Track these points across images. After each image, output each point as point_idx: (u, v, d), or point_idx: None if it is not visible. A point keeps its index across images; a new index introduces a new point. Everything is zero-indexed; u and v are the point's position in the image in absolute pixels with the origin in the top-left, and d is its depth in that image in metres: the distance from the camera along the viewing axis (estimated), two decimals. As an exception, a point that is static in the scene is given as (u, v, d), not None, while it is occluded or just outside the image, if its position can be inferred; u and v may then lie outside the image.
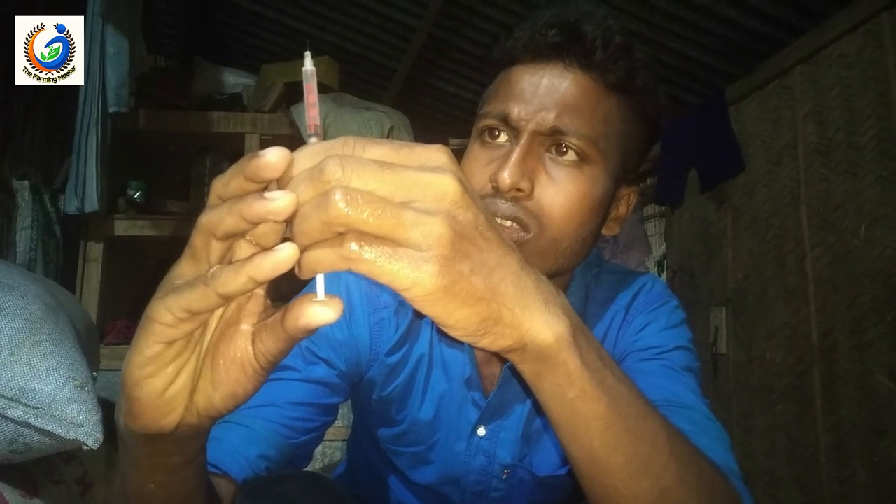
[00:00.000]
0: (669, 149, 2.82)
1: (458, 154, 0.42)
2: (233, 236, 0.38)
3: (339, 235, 0.35)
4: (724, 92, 2.67)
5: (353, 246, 0.35)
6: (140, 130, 2.81)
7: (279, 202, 0.35)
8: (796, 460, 2.23)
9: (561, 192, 0.71)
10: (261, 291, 0.42)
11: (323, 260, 0.36)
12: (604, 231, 0.80)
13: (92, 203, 2.32)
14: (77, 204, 2.33)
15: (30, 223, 2.42)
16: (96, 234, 2.71)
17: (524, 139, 0.71)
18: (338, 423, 0.90)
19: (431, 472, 0.90)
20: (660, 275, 3.12)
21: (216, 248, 0.38)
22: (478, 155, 0.75)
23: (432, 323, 0.76)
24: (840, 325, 2.09)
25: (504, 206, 0.70)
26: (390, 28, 3.00)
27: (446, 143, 0.39)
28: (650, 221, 3.47)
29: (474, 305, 0.38)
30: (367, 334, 0.84)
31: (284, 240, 0.37)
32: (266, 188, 0.37)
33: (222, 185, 0.37)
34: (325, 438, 0.88)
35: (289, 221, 0.36)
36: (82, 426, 1.02)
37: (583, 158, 0.72)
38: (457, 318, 0.38)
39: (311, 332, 0.38)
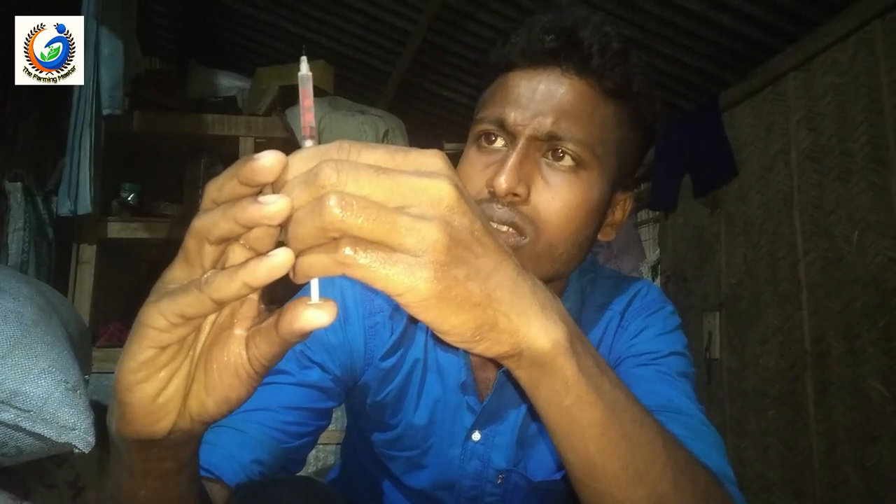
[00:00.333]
0: (663, 154, 2.83)
1: (454, 159, 0.42)
2: (227, 240, 0.38)
3: (334, 240, 0.35)
4: (717, 98, 2.68)
5: (348, 251, 0.34)
6: (134, 132, 2.79)
7: (273, 206, 0.34)
8: (789, 465, 2.24)
9: (557, 197, 0.71)
10: (254, 295, 0.42)
11: (317, 265, 0.35)
12: (600, 237, 0.80)
13: (85, 205, 2.30)
14: (70, 206, 2.32)
15: (22, 225, 2.41)
16: (89, 236, 2.69)
17: (521, 144, 0.71)
18: (331, 426, 0.89)
19: (426, 477, 0.89)
20: (653, 280, 3.13)
21: (210, 252, 0.38)
22: (474, 160, 0.75)
23: (427, 327, 0.76)
24: (832, 331, 2.10)
25: (500, 210, 0.70)
26: (385, 32, 3.00)
27: (441, 148, 0.39)
28: (644, 227, 3.48)
29: (470, 311, 0.38)
30: (361, 339, 0.83)
31: (279, 244, 0.37)
32: (261, 192, 0.36)
33: (216, 188, 0.37)
34: (318, 442, 0.87)
35: (283, 226, 0.36)
36: (74, 429, 1.01)
37: (579, 164, 0.72)
38: (452, 324, 0.38)
39: (306, 336, 0.38)
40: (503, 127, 0.73)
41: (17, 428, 0.98)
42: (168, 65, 3.55)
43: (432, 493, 0.90)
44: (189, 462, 0.48)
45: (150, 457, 0.44)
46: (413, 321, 0.84)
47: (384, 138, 2.92)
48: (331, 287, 0.84)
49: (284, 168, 0.36)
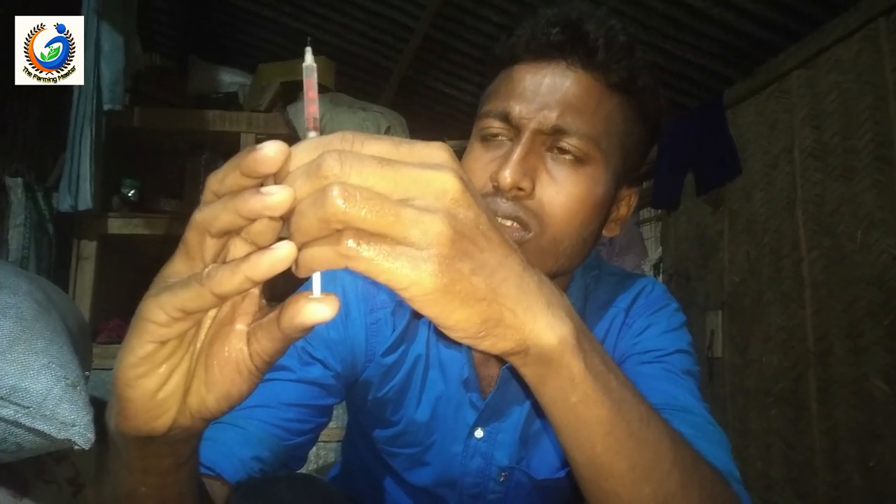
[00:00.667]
0: (666, 152, 2.82)
1: (456, 155, 0.42)
2: (228, 233, 0.37)
3: (337, 233, 0.34)
4: (721, 96, 2.67)
5: (351, 243, 0.34)
6: (135, 128, 2.79)
7: (275, 197, 0.34)
8: (791, 464, 2.23)
9: (562, 191, 0.70)
10: (256, 290, 0.41)
11: (320, 257, 0.35)
12: (604, 232, 0.80)
13: (85, 201, 2.30)
14: (70, 202, 2.31)
15: (22, 221, 2.40)
16: (90, 232, 2.69)
17: (525, 138, 0.70)
18: (332, 424, 0.89)
19: (427, 474, 0.89)
20: (656, 278, 3.12)
21: (211, 245, 0.37)
22: (478, 154, 0.74)
23: (430, 323, 0.75)
24: (836, 329, 2.09)
25: (505, 205, 0.69)
26: (387, 28, 2.99)
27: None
28: (646, 224, 3.47)
29: (474, 306, 0.37)
30: (363, 335, 0.83)
31: (280, 238, 0.37)
32: (263, 184, 0.36)
33: (218, 180, 0.37)
34: (319, 440, 0.87)
35: (285, 219, 0.36)
36: (74, 426, 1.01)
37: (584, 158, 0.71)
38: (456, 319, 0.37)
39: (308, 331, 0.38)
40: (508, 120, 0.72)
41: (17, 424, 0.97)
42: (169, 60, 3.54)
43: (434, 490, 0.89)
44: (189, 459, 0.47)
45: (150, 453, 0.44)
46: (416, 317, 0.84)
47: (385, 134, 2.91)
48: (332, 283, 0.83)
49: (287, 159, 0.35)
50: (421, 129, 3.22)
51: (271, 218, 0.36)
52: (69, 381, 1.04)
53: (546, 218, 0.70)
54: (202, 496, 0.55)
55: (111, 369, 0.41)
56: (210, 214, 0.36)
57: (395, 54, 3.14)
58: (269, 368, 0.42)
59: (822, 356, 2.13)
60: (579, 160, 0.71)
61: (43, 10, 1.76)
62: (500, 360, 0.82)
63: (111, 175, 2.68)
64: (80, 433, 1.00)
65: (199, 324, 0.41)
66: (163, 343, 0.38)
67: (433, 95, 3.42)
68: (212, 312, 0.41)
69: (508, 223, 0.69)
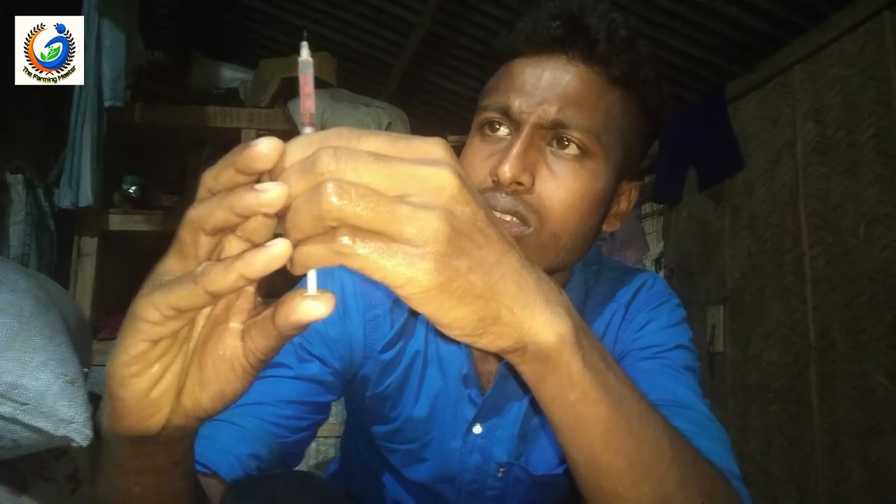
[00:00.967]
0: (668, 146, 2.81)
1: (457, 150, 0.41)
2: (222, 231, 0.37)
3: (332, 230, 0.34)
4: (723, 90, 2.66)
5: (346, 240, 0.33)
6: (136, 124, 2.78)
7: (270, 194, 0.33)
8: (792, 460, 2.23)
9: (562, 186, 0.70)
10: (251, 288, 0.41)
11: (315, 255, 0.34)
12: (604, 227, 0.79)
13: (86, 197, 2.30)
14: (71, 198, 2.31)
15: (23, 217, 2.40)
16: (90, 228, 2.69)
17: (525, 132, 0.69)
18: (331, 419, 0.89)
19: (426, 470, 0.88)
20: (657, 273, 3.11)
21: (205, 243, 0.37)
22: (478, 148, 0.74)
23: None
24: (837, 325, 2.08)
25: (504, 199, 0.69)
26: (389, 23, 2.98)
27: (444, 139, 0.38)
28: (648, 219, 3.46)
29: (472, 304, 0.37)
30: (361, 331, 0.82)
31: (276, 235, 0.36)
32: (258, 180, 0.35)
33: (212, 177, 0.37)
34: (318, 435, 0.87)
35: (280, 216, 0.35)
36: (72, 423, 1.01)
37: (584, 152, 0.70)
38: (453, 317, 0.37)
39: (303, 329, 0.37)
40: (507, 115, 0.71)
41: (15, 421, 0.97)
42: (171, 57, 3.53)
43: (433, 486, 0.89)
44: (183, 458, 0.47)
45: (143, 453, 0.43)
46: (414, 314, 0.83)
47: (387, 130, 2.91)
48: (330, 279, 0.83)
49: (282, 155, 0.35)
50: (422, 124, 3.21)
51: (266, 215, 0.35)
52: (68, 377, 1.03)
53: (546, 213, 0.69)
54: (198, 495, 0.55)
55: (111, 366, 0.41)
56: (204, 211, 0.36)
57: (396, 50, 3.14)
58: (263, 367, 0.41)
59: (824, 352, 2.13)
60: (579, 155, 0.70)
61: (43, 8, 1.76)
62: (498, 356, 0.81)
63: (112, 171, 2.68)
64: (79, 430, 1.00)
65: (192, 322, 0.40)
66: (156, 342, 0.38)
67: (435, 91, 3.41)
68: (206, 310, 0.41)
69: (508, 218, 0.69)
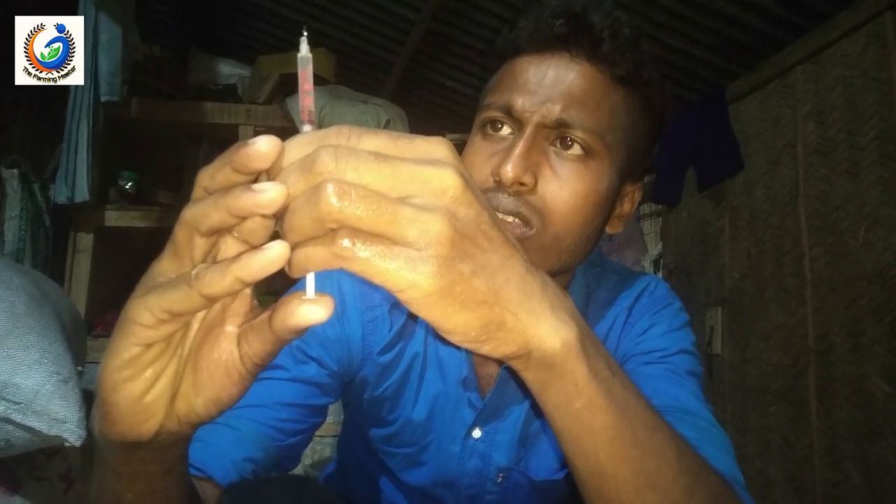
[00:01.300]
0: (667, 147, 2.80)
1: (457, 149, 0.40)
2: (218, 232, 0.36)
3: (332, 232, 0.33)
4: (724, 90, 2.65)
5: (346, 243, 0.32)
6: (132, 120, 2.77)
7: (268, 194, 0.32)
8: (790, 462, 2.22)
9: (565, 187, 0.68)
10: (247, 290, 0.39)
11: (314, 258, 0.33)
12: (607, 229, 0.78)
13: (82, 193, 2.28)
14: (67, 194, 2.30)
15: (18, 213, 2.38)
16: (86, 224, 2.68)
17: (528, 132, 0.68)
18: (329, 418, 0.87)
19: (424, 474, 0.87)
20: (655, 274, 3.10)
21: (200, 244, 0.36)
22: (479, 147, 0.72)
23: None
24: (837, 328, 2.07)
25: (506, 200, 0.68)
26: (388, 20, 2.96)
27: (443, 137, 0.37)
28: (646, 220, 3.45)
29: (475, 309, 0.36)
30: (359, 333, 0.81)
31: (274, 235, 0.35)
32: (256, 180, 0.34)
33: (208, 176, 0.35)
34: (315, 434, 0.86)
35: (278, 216, 0.34)
36: (66, 422, 0.99)
37: (588, 153, 0.69)
38: (456, 323, 0.36)
39: (301, 333, 0.36)
40: (510, 114, 0.70)
41: (7, 420, 0.96)
42: (168, 51, 3.51)
43: (431, 490, 0.88)
44: (177, 464, 0.46)
45: (136, 459, 0.42)
46: (413, 316, 0.82)
47: (386, 128, 2.89)
48: (328, 280, 0.82)
49: (280, 154, 0.34)
50: (422, 122, 3.20)
51: (263, 216, 0.34)
52: (61, 376, 1.02)
53: (548, 214, 0.68)
54: (192, 500, 0.53)
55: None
56: (199, 212, 0.35)
57: (395, 47, 3.12)
58: (260, 371, 0.40)
59: (823, 354, 2.12)
60: (583, 155, 0.69)
61: (40, 4, 1.75)
62: (499, 360, 0.80)
63: (108, 167, 2.67)
64: (72, 430, 0.99)
65: (187, 325, 0.39)
66: (149, 345, 0.37)
67: (434, 88, 3.40)
68: (200, 313, 0.40)
69: (510, 219, 0.68)
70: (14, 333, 1.01)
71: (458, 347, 0.80)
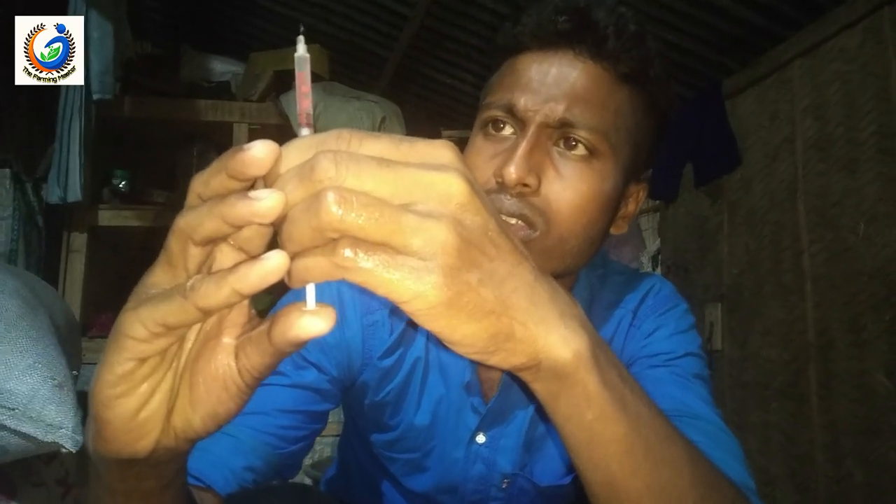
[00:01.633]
0: (665, 142, 2.78)
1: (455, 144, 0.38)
2: (213, 241, 0.34)
3: (333, 241, 0.31)
4: (720, 85, 2.63)
5: (348, 253, 0.31)
6: (125, 118, 2.75)
7: (265, 203, 0.31)
8: (791, 458, 2.22)
9: (569, 188, 0.67)
10: (245, 301, 0.38)
11: (314, 269, 0.32)
12: (612, 230, 0.76)
13: (75, 193, 2.26)
14: (60, 193, 2.28)
15: (11, 213, 2.36)
16: (80, 224, 2.65)
17: (531, 131, 0.67)
18: (329, 417, 0.85)
19: (427, 480, 0.86)
20: (654, 270, 3.10)
21: (195, 253, 0.34)
22: (481, 148, 0.71)
23: None
24: (837, 323, 2.07)
25: (509, 202, 0.66)
26: (382, 16, 2.94)
27: (439, 135, 0.35)
28: (644, 216, 3.44)
29: (482, 320, 0.34)
30: (359, 337, 0.80)
31: (272, 243, 0.34)
32: (252, 186, 0.33)
33: (202, 182, 0.34)
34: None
35: (276, 225, 0.33)
36: (61, 428, 0.98)
37: (592, 153, 0.68)
38: (463, 334, 0.35)
39: (302, 346, 0.35)
40: (512, 113, 0.69)
41: (2, 427, 0.94)
42: (160, 49, 3.48)
43: (434, 496, 0.87)
44: (175, 479, 0.44)
45: (131, 476, 0.41)
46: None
47: (381, 125, 2.88)
48: (327, 284, 0.80)
49: (278, 159, 0.32)
50: (417, 118, 3.18)
51: (260, 224, 0.33)
52: (56, 381, 1.01)
53: (552, 216, 0.67)
54: (191, 513, 0.52)
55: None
56: (194, 221, 0.33)
57: (390, 42, 3.10)
58: (258, 384, 0.39)
59: (823, 350, 2.11)
60: (587, 155, 0.68)
61: (31, 2, 1.74)
62: None
63: (101, 166, 2.65)
64: (68, 435, 0.98)
65: (182, 337, 0.38)
66: (143, 360, 0.36)
67: (429, 84, 3.38)
68: (196, 325, 0.38)
69: (513, 221, 0.66)
70: (7, 338, 0.99)
71: None
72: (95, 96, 2.26)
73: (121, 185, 2.78)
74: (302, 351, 0.77)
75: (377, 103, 2.95)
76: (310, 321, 0.33)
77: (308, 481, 2.20)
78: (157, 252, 0.37)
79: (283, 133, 2.87)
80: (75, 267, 2.63)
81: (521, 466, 0.82)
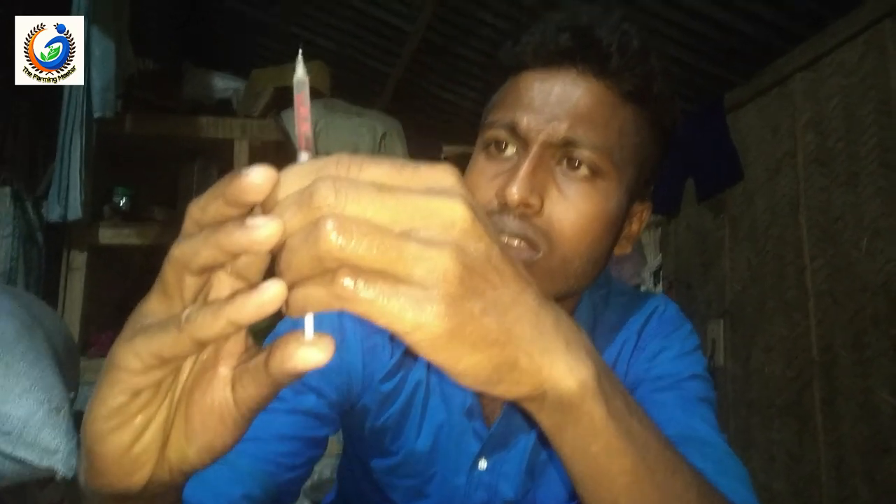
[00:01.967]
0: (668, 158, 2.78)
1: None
2: (210, 269, 0.33)
3: (332, 270, 0.30)
4: (722, 99, 2.63)
5: (347, 282, 0.30)
6: (126, 135, 2.74)
7: (262, 231, 0.30)
8: (796, 477, 2.19)
9: (573, 208, 0.66)
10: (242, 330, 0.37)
11: (312, 299, 0.31)
12: (616, 250, 0.75)
13: (75, 211, 2.25)
14: (60, 211, 2.26)
15: (10, 231, 2.35)
16: (80, 242, 2.64)
17: (534, 151, 0.66)
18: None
19: None
20: (655, 285, 3.08)
21: (191, 283, 0.34)
22: (483, 167, 0.70)
23: None
24: (841, 340, 2.05)
25: (512, 223, 0.65)
26: (383, 32, 2.95)
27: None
28: (645, 231, 3.44)
29: (486, 350, 0.33)
30: (359, 361, 0.78)
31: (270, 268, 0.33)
32: (251, 212, 0.32)
33: (199, 209, 0.33)
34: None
35: (274, 252, 0.32)
36: (56, 453, 0.97)
37: (596, 172, 0.67)
38: (466, 365, 0.34)
39: (300, 377, 0.34)
40: (515, 132, 0.68)
41: (-3, 451, 0.93)
42: (162, 66, 3.49)
43: None
44: None
45: None
46: None
47: (381, 141, 2.88)
48: None
49: (276, 185, 0.32)
50: (417, 133, 3.18)
51: (258, 252, 0.32)
52: (52, 405, 1.00)
53: (556, 236, 0.66)
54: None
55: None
56: (189, 250, 0.32)
57: (390, 58, 3.11)
58: (255, 416, 0.38)
59: (827, 367, 2.10)
60: (591, 175, 0.67)
61: (26, 10, 1.74)
62: None
63: (102, 183, 2.64)
64: (64, 460, 0.97)
65: (178, 368, 0.37)
66: (137, 393, 0.35)
67: (429, 100, 3.39)
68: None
69: (515, 242, 0.65)
70: (3, 361, 0.98)
71: None
72: (97, 114, 2.26)
73: (122, 203, 2.77)
74: None
75: (378, 119, 2.95)
76: (308, 352, 0.32)
77: None
78: (158, 271, 0.36)
79: (283, 149, 2.87)
80: (75, 285, 2.62)
81: (524, 493, 0.80)
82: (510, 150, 0.69)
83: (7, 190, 2.38)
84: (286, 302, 0.32)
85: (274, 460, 0.72)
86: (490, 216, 0.66)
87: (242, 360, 0.37)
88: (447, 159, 3.18)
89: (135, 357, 0.33)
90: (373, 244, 0.30)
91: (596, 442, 0.39)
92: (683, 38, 2.37)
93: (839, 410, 2.03)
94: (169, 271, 0.34)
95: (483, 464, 0.80)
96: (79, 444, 0.92)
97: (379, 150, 2.85)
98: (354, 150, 2.77)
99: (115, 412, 0.35)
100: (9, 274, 2.30)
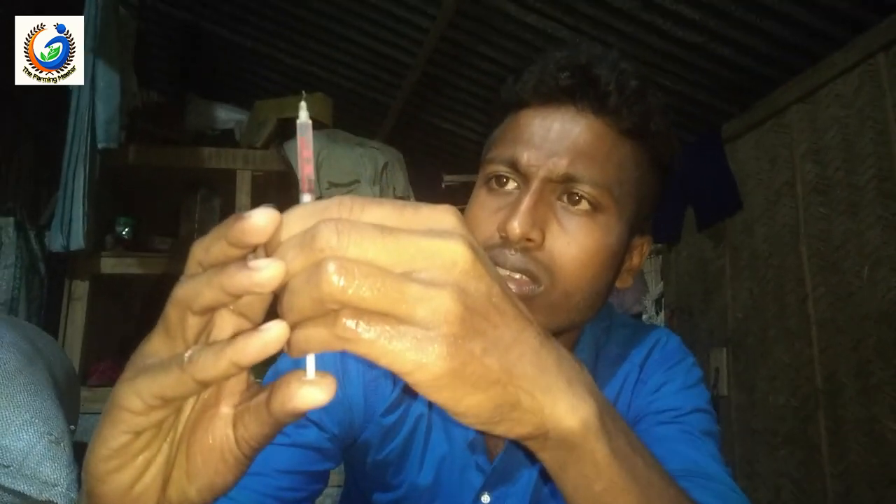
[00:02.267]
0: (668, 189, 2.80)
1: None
2: (212, 310, 0.34)
3: (334, 311, 0.31)
4: (719, 130, 2.66)
5: (349, 323, 0.30)
6: (129, 166, 2.76)
7: (264, 273, 0.30)
8: (803, 508, 2.17)
9: (573, 242, 0.66)
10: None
11: (314, 339, 0.31)
12: (617, 284, 0.75)
13: (77, 240, 2.26)
14: (62, 241, 2.27)
15: (13, 261, 2.36)
16: (82, 272, 2.65)
17: (534, 186, 0.66)
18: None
19: None
20: (658, 313, 3.08)
21: (193, 323, 0.34)
22: (485, 202, 0.70)
23: None
24: (844, 368, 2.04)
25: (513, 257, 0.65)
26: (384, 64, 2.99)
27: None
28: (646, 259, 3.44)
29: (488, 390, 0.33)
30: (361, 394, 0.78)
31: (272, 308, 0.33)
32: (254, 252, 0.32)
33: (202, 249, 0.33)
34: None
35: (276, 293, 0.32)
36: (56, 486, 0.96)
37: (596, 207, 0.67)
38: (468, 405, 0.34)
39: (301, 416, 0.34)
40: (516, 168, 0.68)
41: (-5, 485, 0.92)
42: (165, 97, 3.53)
43: None
44: None
45: None
46: None
47: (383, 171, 2.90)
48: None
49: (278, 227, 0.32)
50: (418, 164, 3.20)
51: (260, 293, 0.32)
52: (52, 437, 0.99)
53: (557, 270, 0.66)
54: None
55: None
56: (192, 290, 0.33)
57: (392, 90, 3.14)
58: (256, 455, 0.38)
59: (832, 396, 2.09)
60: (591, 210, 0.67)
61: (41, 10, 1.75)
62: None
63: (105, 213, 2.65)
64: (63, 493, 0.96)
65: (179, 408, 0.37)
66: (139, 433, 0.35)
67: (430, 130, 3.42)
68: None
69: (517, 276, 0.66)
70: (4, 393, 0.98)
71: None
72: (100, 145, 2.28)
73: (124, 233, 2.78)
74: None
75: (379, 150, 2.97)
76: (310, 391, 0.32)
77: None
78: (160, 301, 0.36)
79: (286, 179, 2.89)
80: (77, 315, 2.62)
81: (528, 527, 0.80)
82: (511, 185, 0.70)
83: (10, 220, 2.40)
84: (288, 342, 0.32)
85: (275, 494, 0.71)
86: (491, 250, 0.66)
87: (244, 399, 0.37)
88: (448, 188, 3.19)
89: (136, 397, 0.33)
90: (374, 286, 0.30)
91: (599, 480, 0.39)
92: (682, 70, 2.40)
93: (845, 440, 2.02)
94: (172, 311, 0.34)
95: (486, 498, 0.79)
96: (79, 477, 0.91)
97: (380, 179, 2.87)
98: (356, 179, 2.79)
99: (117, 452, 0.35)
100: (11, 303, 2.31)
